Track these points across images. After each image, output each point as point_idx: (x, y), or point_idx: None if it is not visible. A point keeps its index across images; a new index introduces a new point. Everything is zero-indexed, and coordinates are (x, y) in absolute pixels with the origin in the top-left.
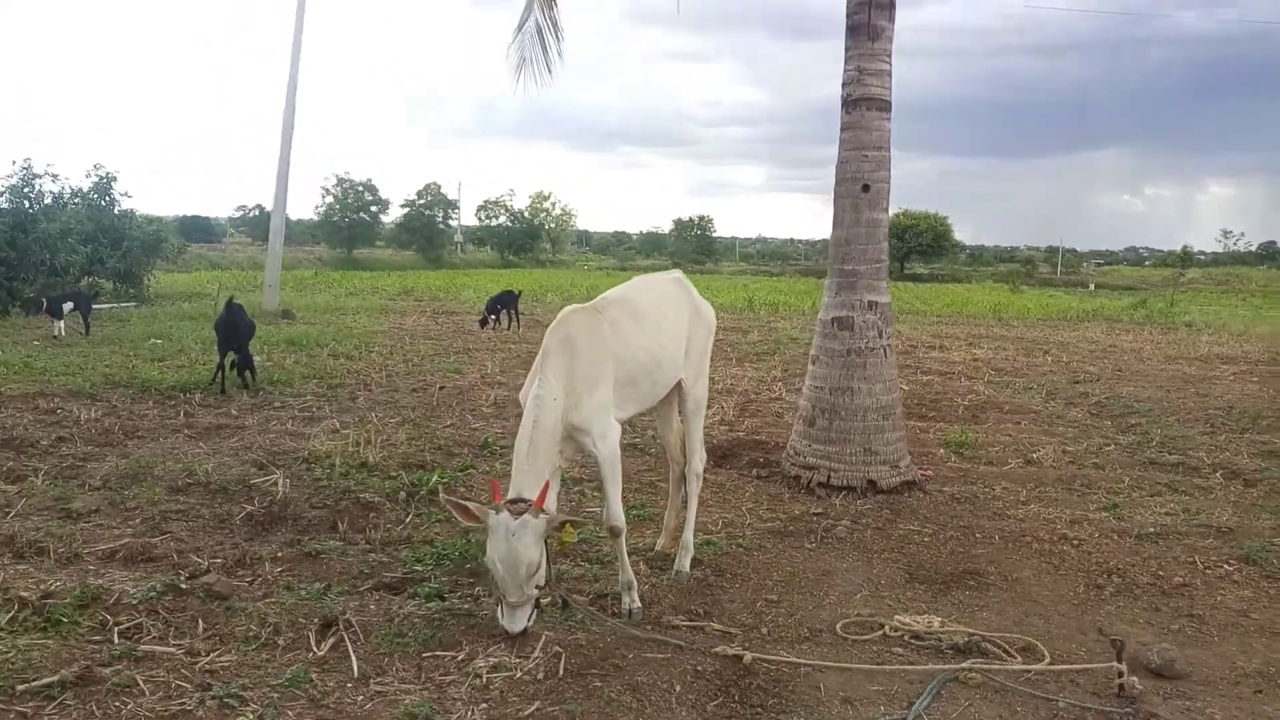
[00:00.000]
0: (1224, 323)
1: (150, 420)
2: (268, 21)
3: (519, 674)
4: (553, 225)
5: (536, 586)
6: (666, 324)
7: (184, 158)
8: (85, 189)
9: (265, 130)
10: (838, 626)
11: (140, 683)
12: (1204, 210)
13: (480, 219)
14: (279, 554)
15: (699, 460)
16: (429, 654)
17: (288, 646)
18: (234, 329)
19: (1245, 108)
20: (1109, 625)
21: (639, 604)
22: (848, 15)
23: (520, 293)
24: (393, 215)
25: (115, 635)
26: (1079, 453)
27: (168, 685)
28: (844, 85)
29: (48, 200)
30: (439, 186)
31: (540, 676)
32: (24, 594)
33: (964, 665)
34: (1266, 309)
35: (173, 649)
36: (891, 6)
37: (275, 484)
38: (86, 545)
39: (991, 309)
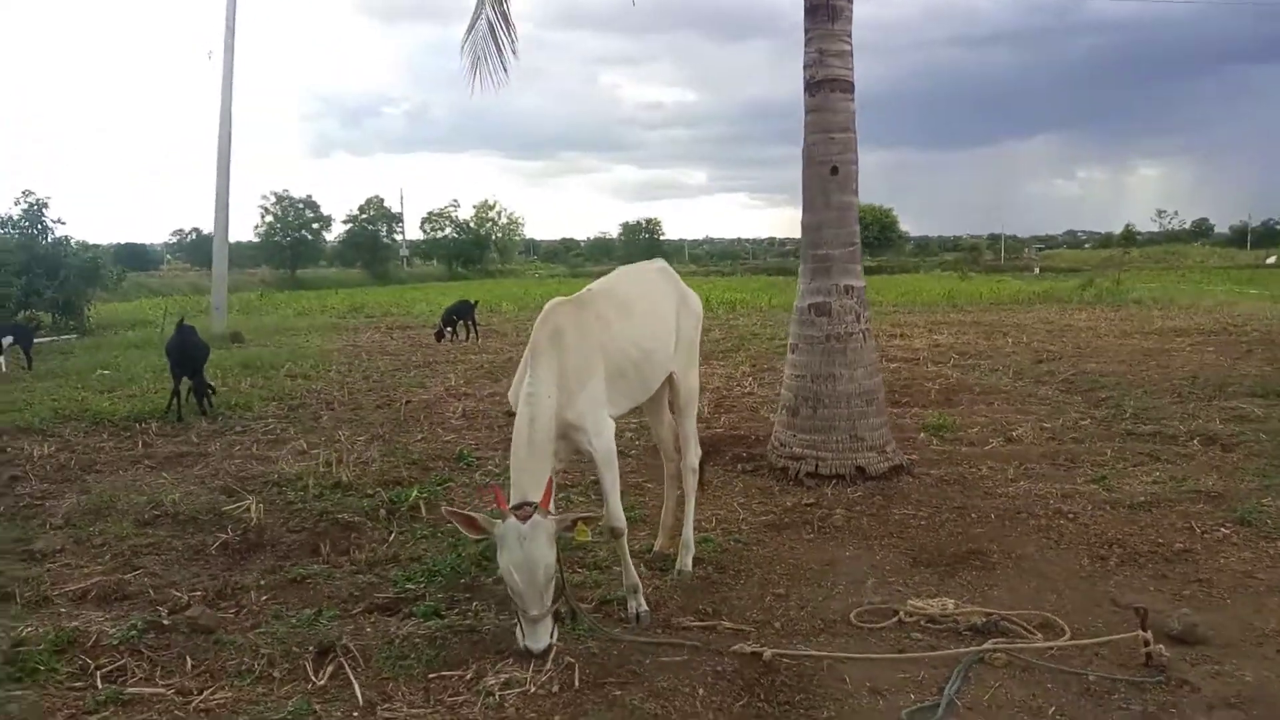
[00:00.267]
0: (1171, 298)
1: (107, 453)
2: (196, 42)
3: (533, 689)
4: (500, 235)
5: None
6: (654, 315)
7: (114, 183)
8: (15, 216)
9: (198, 152)
10: (851, 615)
11: None
12: (1135, 191)
13: (425, 231)
14: (262, 582)
15: (694, 454)
16: (435, 675)
17: (284, 678)
18: (187, 352)
19: (1166, 92)
20: (1121, 595)
21: (646, 607)
22: None
23: (476, 303)
24: (335, 232)
25: (98, 680)
26: (1057, 428)
27: None
28: (806, 68)
29: None
30: (382, 200)
31: (555, 689)
32: None
33: (987, 646)
34: (1207, 284)
35: (162, 689)
36: None
37: (248, 510)
38: (55, 586)
39: (944, 296)
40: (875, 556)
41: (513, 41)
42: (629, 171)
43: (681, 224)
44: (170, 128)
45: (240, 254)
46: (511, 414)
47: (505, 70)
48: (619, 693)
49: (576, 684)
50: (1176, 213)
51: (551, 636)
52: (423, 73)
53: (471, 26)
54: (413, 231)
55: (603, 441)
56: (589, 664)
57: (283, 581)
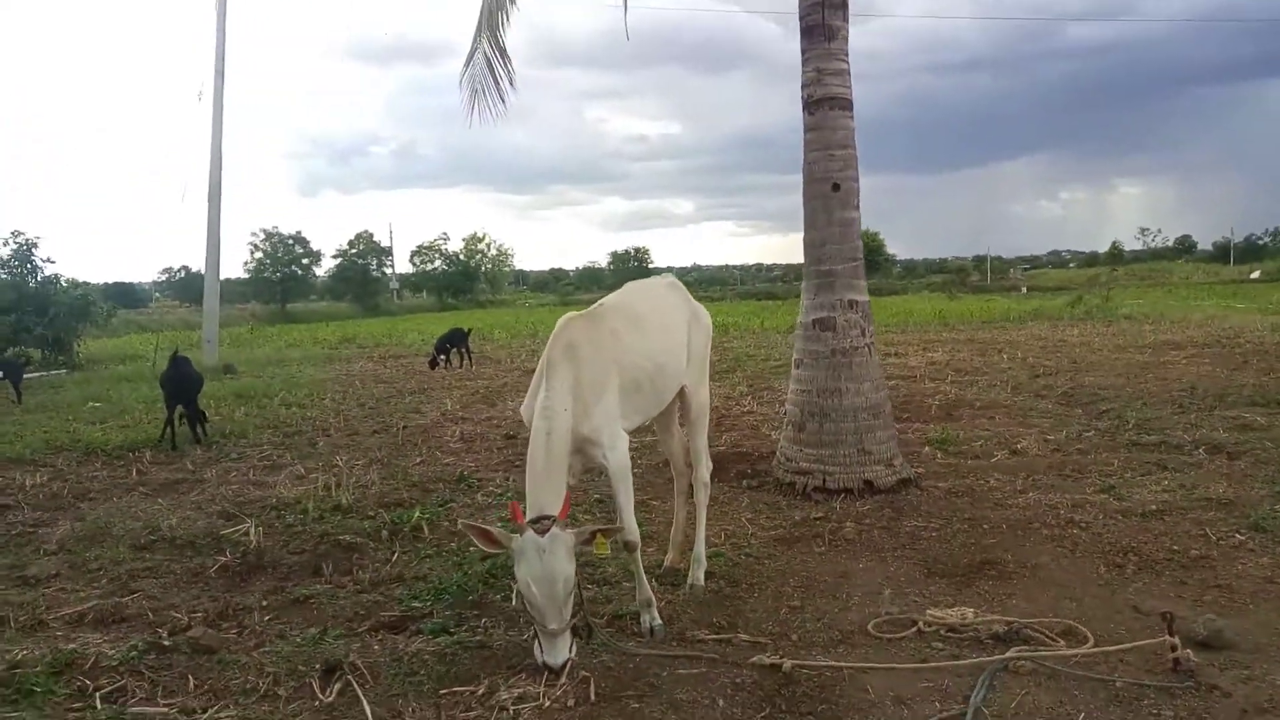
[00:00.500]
0: (1161, 313)
1: (101, 481)
2: (186, 83)
3: (548, 703)
4: (489, 266)
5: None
6: (667, 329)
7: (103, 223)
8: (4, 256)
9: (189, 190)
10: (870, 626)
11: None
12: (1117, 210)
13: (415, 265)
14: (264, 603)
15: (705, 469)
16: (446, 691)
17: (290, 696)
18: (182, 383)
19: (1145, 112)
20: (1142, 602)
21: (660, 621)
22: (801, 17)
23: (470, 330)
24: (325, 266)
25: (97, 700)
26: (1061, 440)
27: None
28: (804, 87)
29: None
30: (371, 235)
31: (571, 704)
32: None
33: (1011, 654)
34: (1194, 299)
35: (164, 709)
36: (844, 6)
37: (247, 533)
38: (50, 610)
39: (935, 316)
40: (889, 568)
41: (510, 74)
42: (616, 203)
43: (669, 253)
44: (159, 167)
45: (230, 290)
46: (510, 437)
47: (504, 101)
48: (636, 705)
49: (593, 698)
50: (1160, 230)
51: (570, 652)
52: (410, 111)
53: (469, 60)
54: (402, 265)
55: (617, 455)
56: (604, 678)
57: (285, 602)
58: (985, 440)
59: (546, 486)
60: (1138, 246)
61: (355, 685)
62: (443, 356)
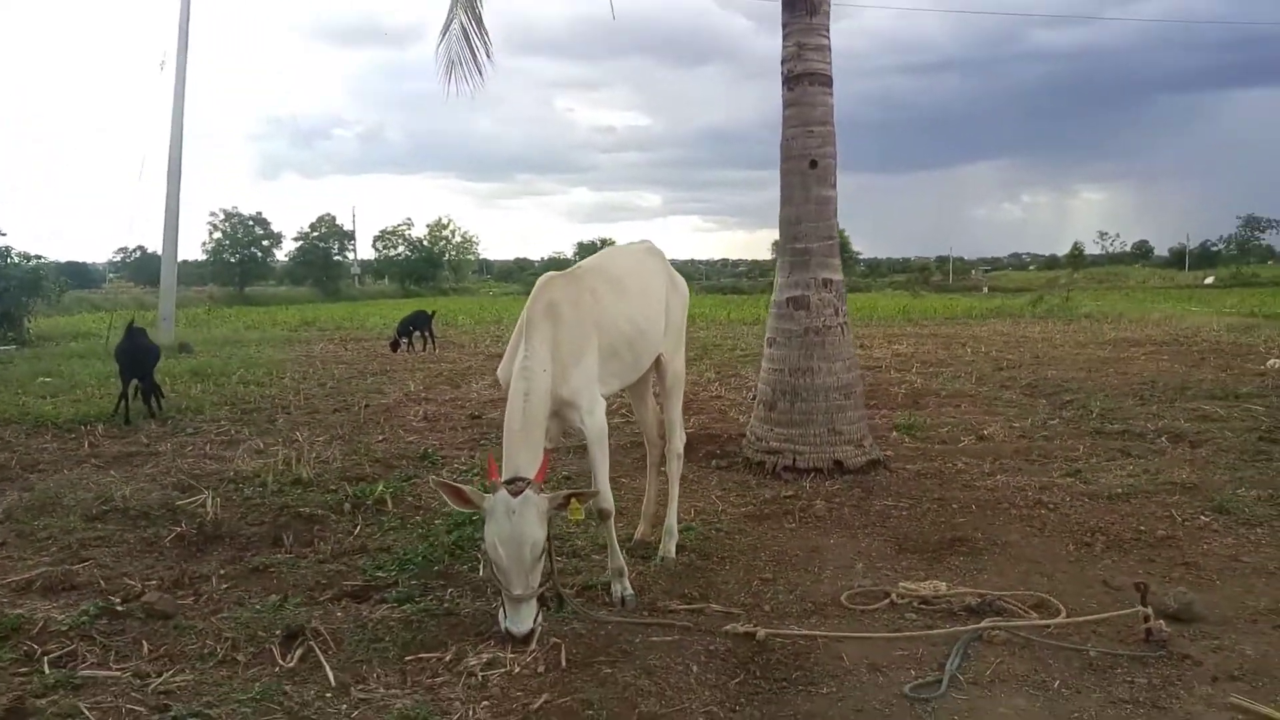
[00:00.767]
0: (1120, 313)
1: (50, 454)
2: (143, 57)
3: (517, 669)
4: (454, 253)
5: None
6: (646, 293)
7: (55, 200)
8: None
9: (146, 168)
10: (843, 598)
11: (84, 710)
12: (1077, 215)
13: (378, 249)
14: (221, 571)
15: (679, 439)
16: (412, 657)
17: (249, 662)
18: (137, 355)
19: (1107, 119)
20: (1112, 578)
21: (631, 591)
22: None
23: (434, 313)
24: (285, 249)
25: (45, 665)
26: (1026, 428)
27: (118, 710)
28: (784, 62)
29: None
30: (334, 218)
31: (541, 670)
32: None
33: (985, 625)
34: (1150, 302)
35: (116, 673)
36: None
37: (203, 505)
38: None
39: (899, 312)
40: (860, 544)
41: (487, 46)
42: (583, 194)
43: None
44: (115, 145)
45: (187, 272)
46: (475, 417)
47: (480, 74)
48: (609, 670)
49: (564, 663)
50: (1118, 235)
51: (535, 621)
52: (376, 96)
53: (445, 29)
54: (365, 251)
55: (595, 420)
56: (575, 644)
57: (243, 571)
58: (952, 426)
59: (524, 448)
60: (1096, 251)
61: (317, 650)
62: (404, 339)
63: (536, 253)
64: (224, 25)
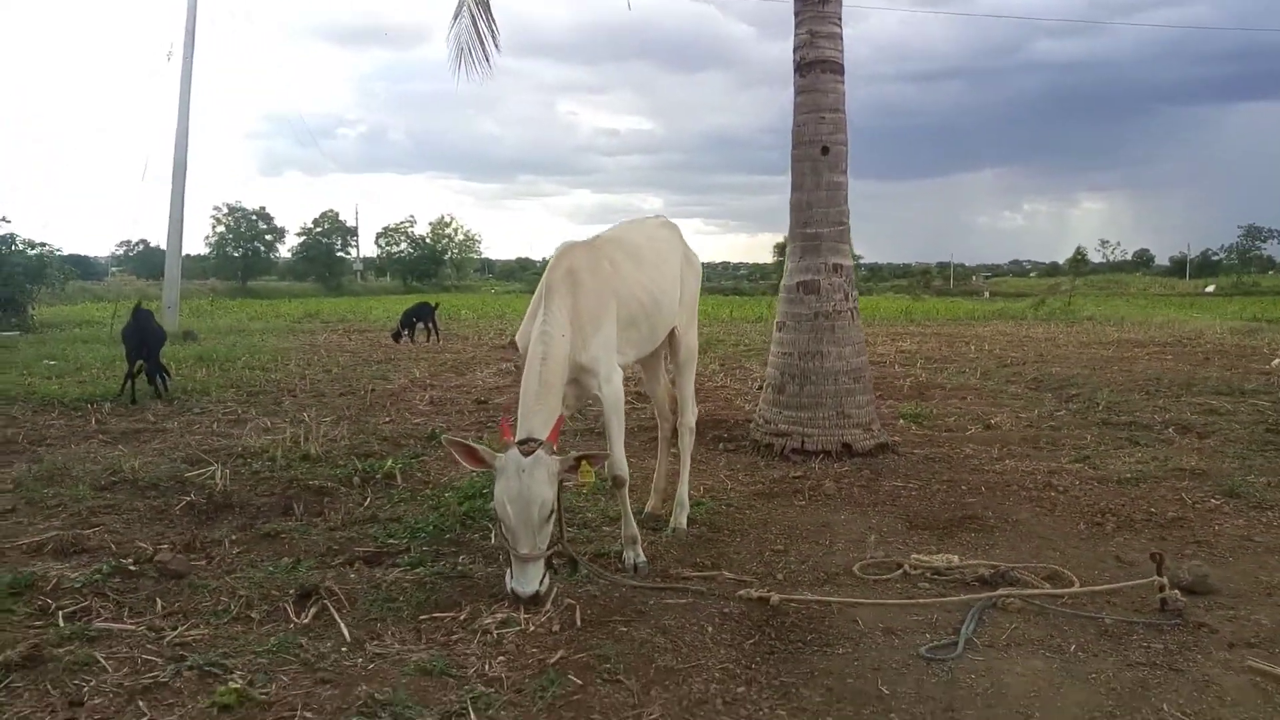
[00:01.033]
0: (1122, 316)
1: (58, 429)
2: (148, 54)
3: (532, 628)
4: (456, 251)
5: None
6: (662, 266)
7: (57, 194)
8: None
9: (150, 165)
10: (855, 569)
11: (101, 659)
12: (1078, 223)
13: (380, 246)
14: (232, 537)
15: (691, 413)
16: (426, 616)
17: (263, 619)
18: (143, 336)
19: (1110, 128)
20: (1123, 554)
21: (644, 559)
22: None
23: (437, 305)
24: (289, 244)
25: (60, 619)
26: (1034, 418)
27: (134, 660)
28: (796, 50)
29: None
30: (337, 214)
31: (556, 629)
32: None
33: (1001, 593)
34: (1151, 309)
35: (131, 627)
36: None
37: (212, 476)
38: (7, 540)
39: (901, 312)
40: (871, 520)
41: (494, 33)
42: (585, 196)
43: None
44: (117, 142)
45: (190, 265)
46: (481, 402)
47: (488, 60)
48: (624, 629)
49: (579, 623)
50: (1119, 243)
51: (541, 584)
52: (379, 96)
53: (456, 14)
54: (368, 248)
55: (612, 388)
56: (590, 605)
57: (254, 537)
58: (958, 416)
59: (538, 410)
60: (1097, 259)
61: (331, 609)
62: (407, 330)
63: (539, 253)
64: (229, 23)
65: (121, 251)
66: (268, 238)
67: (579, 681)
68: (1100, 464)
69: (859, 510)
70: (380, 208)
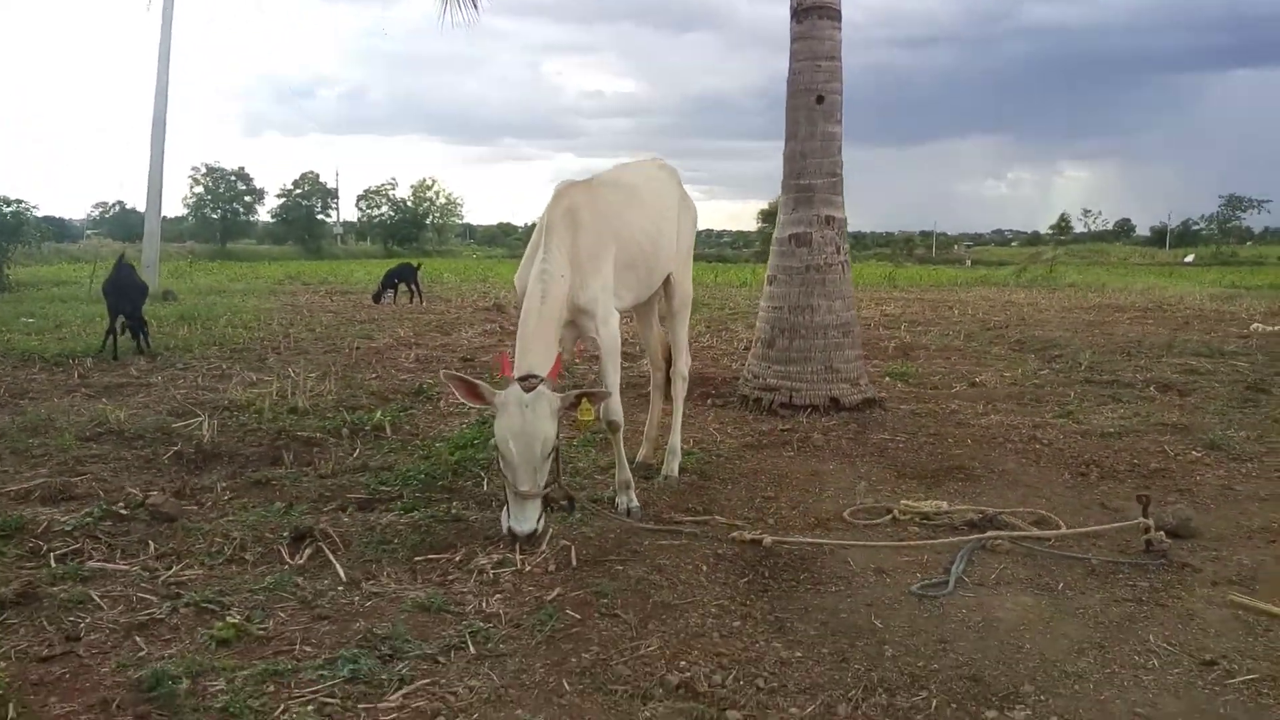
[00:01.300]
0: (1103, 283)
1: (40, 383)
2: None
3: (528, 567)
4: (437, 215)
5: (546, 483)
6: (660, 208)
7: (29, 154)
8: None
9: (126, 125)
10: (845, 514)
11: (95, 597)
12: (1061, 192)
13: (361, 209)
14: (223, 484)
15: (685, 361)
16: (421, 558)
17: (258, 560)
18: (125, 289)
19: (1094, 97)
20: (1108, 501)
21: (637, 503)
22: None
23: (420, 265)
24: (268, 206)
25: (51, 560)
26: (1018, 377)
27: (128, 598)
28: None
29: None
30: (317, 176)
31: (552, 568)
32: None
33: (990, 535)
34: (1132, 276)
35: (124, 567)
36: None
37: (200, 427)
38: None
39: (884, 278)
40: (859, 470)
41: None
42: (569, 160)
43: None
44: (97, 102)
45: (168, 227)
46: (468, 360)
47: (475, 6)
48: (620, 568)
49: (574, 562)
50: (1101, 212)
51: (539, 523)
52: (360, 55)
53: None
54: (348, 211)
55: (609, 330)
56: (585, 546)
57: (245, 484)
58: (944, 374)
59: (537, 349)
60: (1080, 228)
61: (326, 550)
62: (390, 291)
63: (521, 218)
64: None
65: (98, 214)
66: (247, 199)
67: (577, 616)
68: (1084, 419)
69: (847, 461)
70: (361, 170)
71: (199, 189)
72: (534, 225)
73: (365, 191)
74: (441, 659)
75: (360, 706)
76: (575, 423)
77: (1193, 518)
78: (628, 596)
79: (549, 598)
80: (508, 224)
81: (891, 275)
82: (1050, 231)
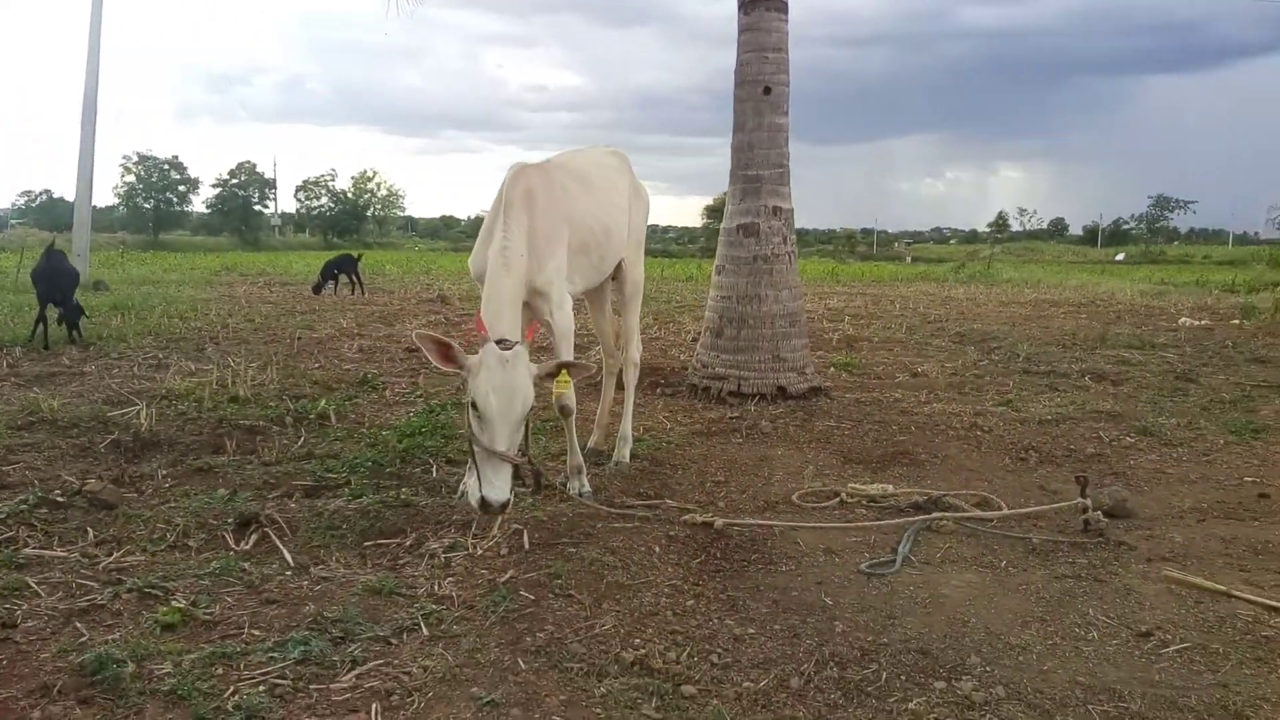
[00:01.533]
0: (1038, 279)
1: None
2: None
3: (479, 551)
4: (378, 207)
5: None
6: (612, 195)
7: None
8: None
9: (54, 111)
10: (794, 497)
11: (32, 584)
12: (997, 191)
13: (300, 200)
14: (163, 472)
15: (636, 348)
16: (370, 543)
17: (201, 547)
18: (55, 277)
19: (1029, 98)
20: (1047, 484)
21: (589, 488)
22: None
23: (360, 256)
24: (203, 196)
25: None
26: (958, 368)
27: (68, 585)
28: None
29: None
30: (254, 165)
31: (505, 552)
32: None
33: (935, 516)
34: (1065, 274)
35: (62, 554)
36: None
37: (137, 416)
38: None
39: (827, 274)
40: (807, 455)
41: None
42: (514, 152)
43: None
44: (23, 89)
45: (98, 217)
46: (413, 350)
47: None
48: (574, 550)
49: (527, 545)
50: (1035, 211)
51: (511, 492)
52: (298, 44)
53: None
54: (286, 202)
55: (564, 314)
56: (537, 529)
57: (187, 471)
58: (887, 365)
59: (508, 316)
60: (1015, 227)
61: (273, 536)
62: (330, 282)
63: (463, 211)
64: None
65: (23, 202)
66: (180, 189)
67: (531, 597)
68: (1022, 407)
69: (795, 447)
70: (299, 160)
71: (130, 178)
72: (479, 218)
73: (304, 182)
74: (394, 640)
75: (312, 687)
76: (553, 392)
77: (1128, 499)
78: (581, 577)
79: (502, 580)
80: (450, 216)
81: (835, 271)
82: (988, 229)
